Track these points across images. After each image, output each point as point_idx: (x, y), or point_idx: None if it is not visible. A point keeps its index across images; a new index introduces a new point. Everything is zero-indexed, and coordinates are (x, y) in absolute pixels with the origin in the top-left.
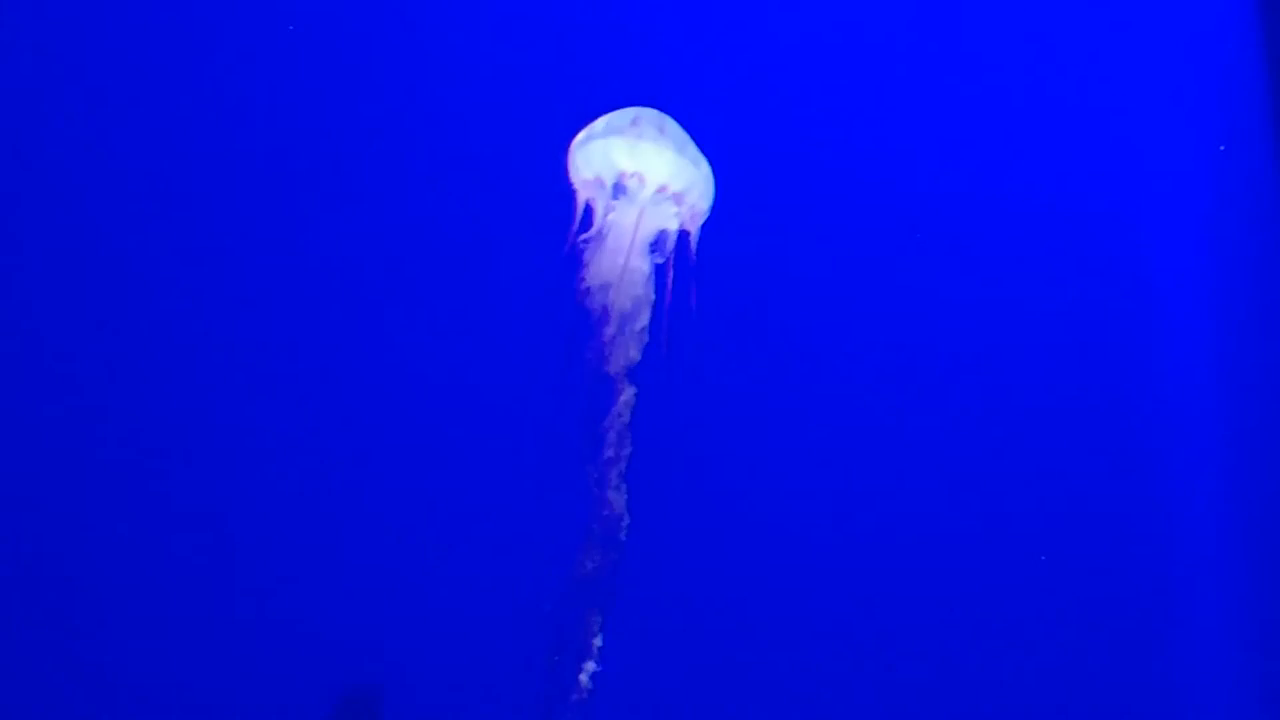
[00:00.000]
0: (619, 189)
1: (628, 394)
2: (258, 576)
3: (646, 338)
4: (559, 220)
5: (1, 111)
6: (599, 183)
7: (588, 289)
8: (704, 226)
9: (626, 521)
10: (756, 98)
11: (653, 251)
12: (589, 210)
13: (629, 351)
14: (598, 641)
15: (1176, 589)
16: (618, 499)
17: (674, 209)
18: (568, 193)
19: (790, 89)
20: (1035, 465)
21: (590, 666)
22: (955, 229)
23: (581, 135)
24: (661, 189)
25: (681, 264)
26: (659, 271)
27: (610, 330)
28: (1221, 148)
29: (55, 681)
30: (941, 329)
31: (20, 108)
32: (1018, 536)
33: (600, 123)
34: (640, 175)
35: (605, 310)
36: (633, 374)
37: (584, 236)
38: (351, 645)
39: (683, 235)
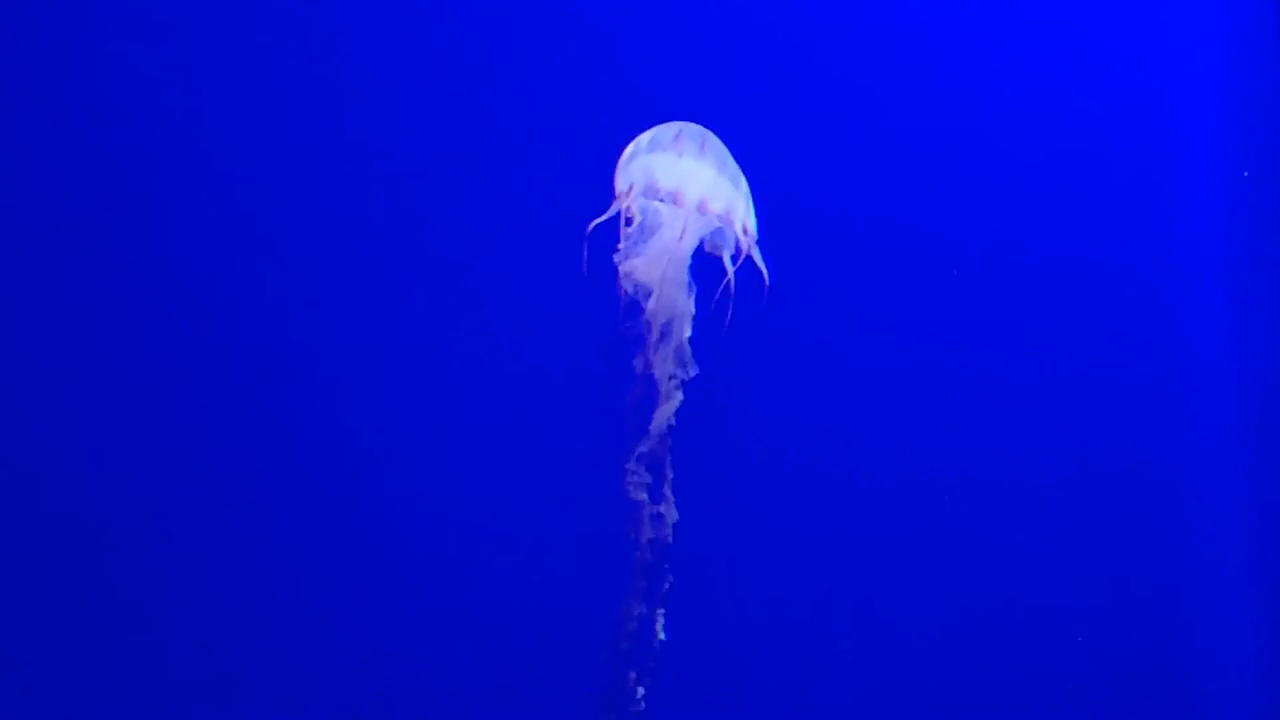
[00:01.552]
0: (662, 202)
1: (671, 405)
2: (316, 576)
3: (688, 351)
4: (605, 232)
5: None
6: (642, 197)
7: (630, 299)
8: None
9: (671, 524)
10: (798, 112)
11: (695, 265)
12: (631, 222)
13: (670, 365)
14: (660, 633)
15: (1202, 587)
16: (665, 508)
17: (716, 224)
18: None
19: (828, 103)
20: (1066, 465)
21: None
22: (991, 237)
23: (628, 150)
24: (701, 205)
25: (723, 278)
26: (701, 285)
27: (652, 342)
28: (1245, 174)
29: (95, 685)
30: (979, 334)
31: (27, 109)
32: (1048, 535)
33: (645, 137)
34: (679, 192)
35: (647, 321)
36: (676, 386)
37: (627, 248)
38: (394, 648)
39: (724, 248)
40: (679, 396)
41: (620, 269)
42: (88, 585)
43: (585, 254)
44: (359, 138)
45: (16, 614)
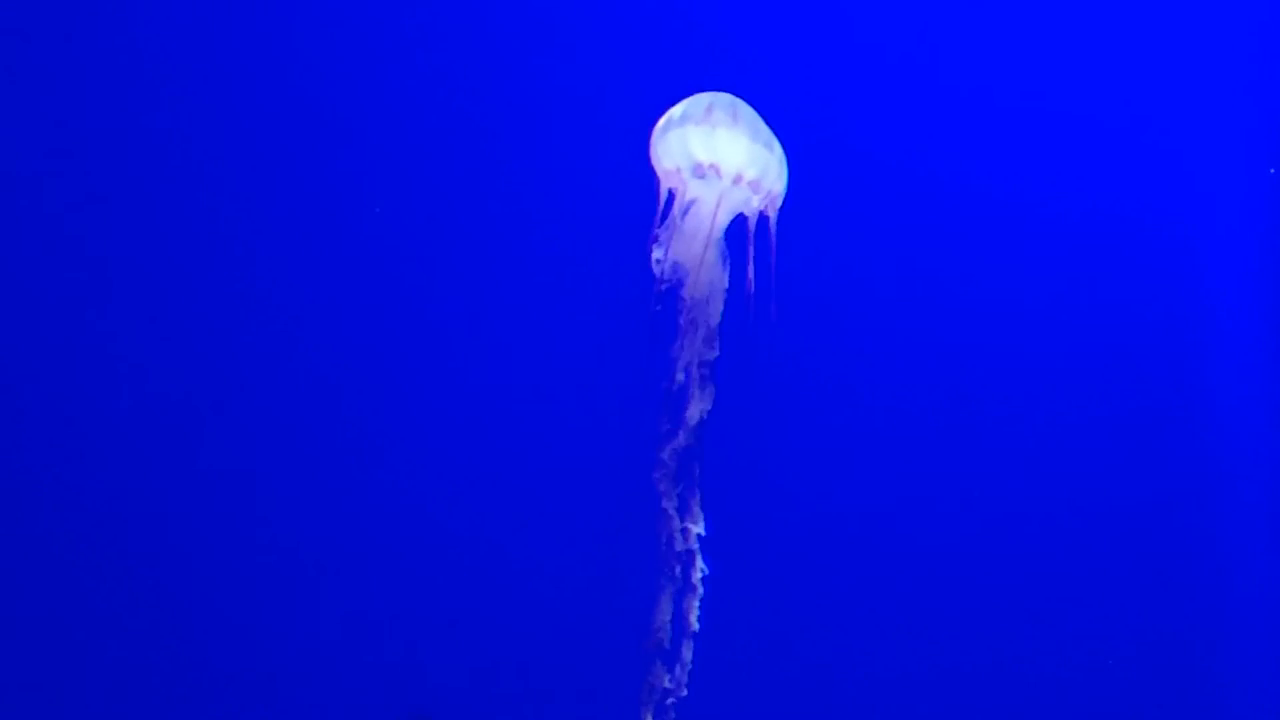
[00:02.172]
0: (697, 176)
1: (706, 388)
2: (360, 577)
3: (720, 329)
4: (641, 209)
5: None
6: (677, 171)
7: (666, 275)
8: (780, 211)
9: (700, 528)
10: (828, 79)
11: (730, 237)
12: (670, 197)
13: (706, 343)
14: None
15: (1236, 594)
16: (691, 501)
17: (750, 194)
18: (648, 181)
19: (861, 73)
20: (1100, 467)
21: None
22: (1022, 222)
23: (660, 124)
24: (737, 177)
25: (760, 249)
26: (736, 258)
27: (687, 319)
28: (1272, 170)
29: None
30: (1007, 334)
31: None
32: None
33: (677, 110)
34: (716, 165)
35: (683, 298)
36: (710, 367)
37: (663, 224)
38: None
39: (761, 220)
40: (712, 388)
41: (655, 250)
42: (91, 586)
43: (621, 234)
44: (386, 133)
45: (17, 615)
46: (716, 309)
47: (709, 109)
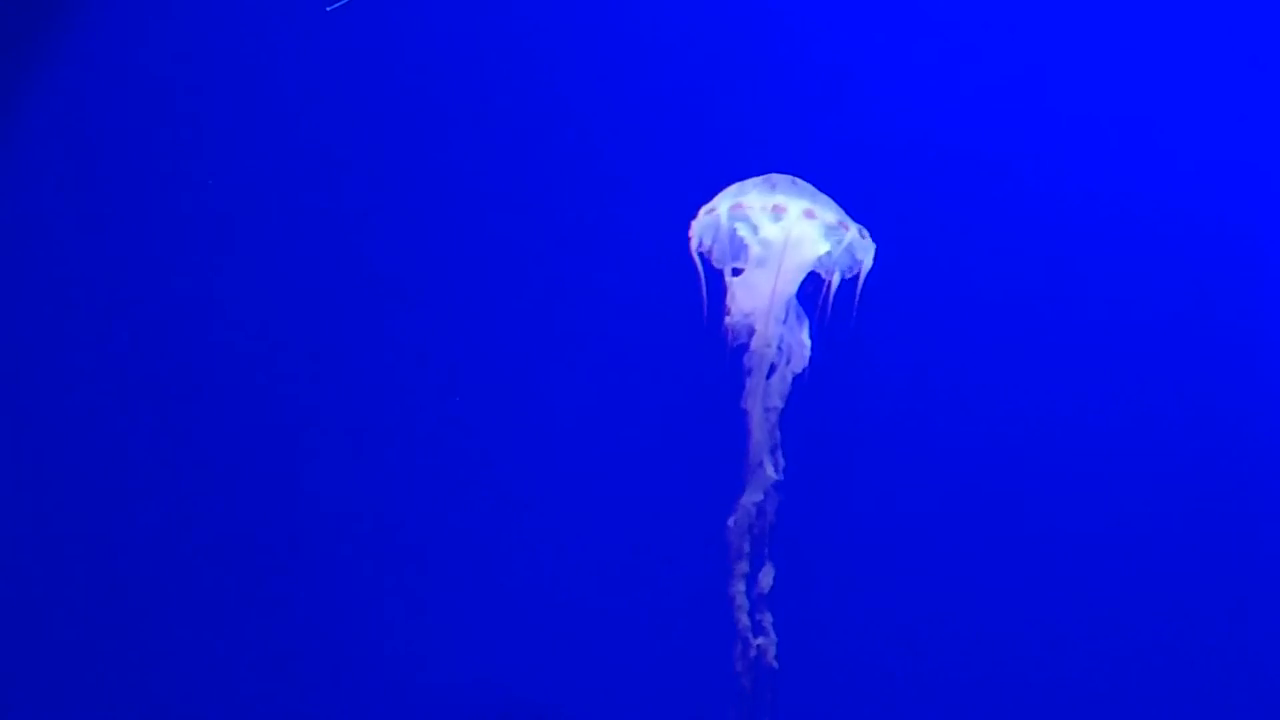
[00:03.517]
0: (759, 238)
1: (773, 436)
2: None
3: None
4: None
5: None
6: (736, 237)
7: (737, 339)
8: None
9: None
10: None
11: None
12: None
13: (773, 398)
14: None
15: None
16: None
17: (819, 256)
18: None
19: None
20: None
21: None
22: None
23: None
24: (807, 213)
25: (827, 306)
26: (808, 312)
27: (756, 378)
28: None
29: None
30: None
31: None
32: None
33: (730, 189)
34: (781, 208)
35: (750, 356)
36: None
37: (733, 288)
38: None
39: (830, 281)
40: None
41: (728, 309)
42: (90, 587)
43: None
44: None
45: (17, 616)
46: (795, 362)
47: (766, 178)
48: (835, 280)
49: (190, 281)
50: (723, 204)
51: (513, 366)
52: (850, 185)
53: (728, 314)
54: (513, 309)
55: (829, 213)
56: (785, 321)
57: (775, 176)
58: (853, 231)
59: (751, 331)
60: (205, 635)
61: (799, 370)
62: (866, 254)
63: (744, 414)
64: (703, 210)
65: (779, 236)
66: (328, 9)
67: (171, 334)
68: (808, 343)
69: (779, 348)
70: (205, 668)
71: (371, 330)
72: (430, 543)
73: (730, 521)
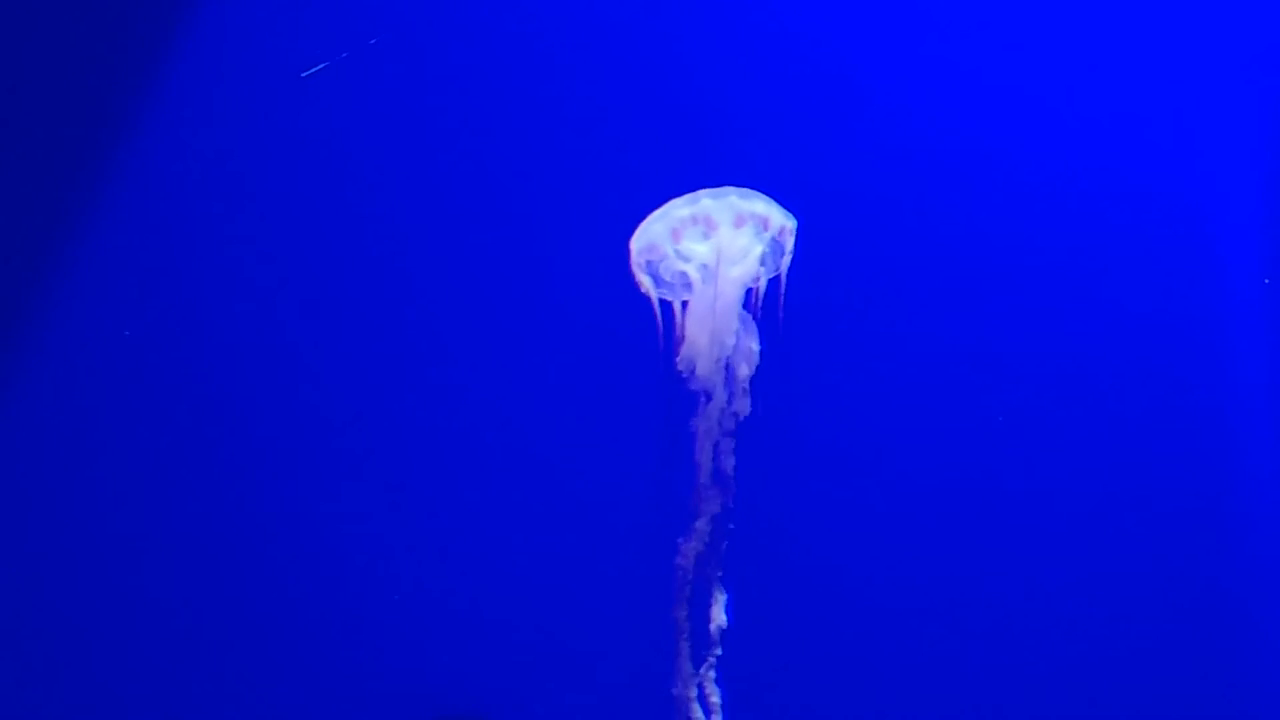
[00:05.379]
0: (689, 260)
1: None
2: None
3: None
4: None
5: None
6: (668, 252)
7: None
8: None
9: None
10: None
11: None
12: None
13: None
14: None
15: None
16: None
17: (754, 253)
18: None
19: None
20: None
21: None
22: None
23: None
24: (737, 220)
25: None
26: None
27: (708, 408)
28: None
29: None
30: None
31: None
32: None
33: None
34: (708, 216)
35: (699, 382)
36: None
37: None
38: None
39: (771, 284)
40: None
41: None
42: (90, 588)
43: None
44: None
45: (17, 616)
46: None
47: (690, 198)
48: (763, 284)
49: (176, 280)
50: (650, 234)
51: (473, 376)
52: (807, 183)
53: (678, 342)
54: (476, 320)
55: (757, 210)
56: (735, 333)
57: (700, 193)
58: (778, 221)
59: (699, 355)
60: (183, 634)
61: (749, 376)
62: (789, 238)
63: (694, 434)
64: (633, 248)
65: (711, 255)
66: (303, 75)
67: (164, 333)
68: (756, 348)
69: (726, 365)
70: (185, 668)
71: (326, 340)
72: (384, 552)
73: (680, 541)
